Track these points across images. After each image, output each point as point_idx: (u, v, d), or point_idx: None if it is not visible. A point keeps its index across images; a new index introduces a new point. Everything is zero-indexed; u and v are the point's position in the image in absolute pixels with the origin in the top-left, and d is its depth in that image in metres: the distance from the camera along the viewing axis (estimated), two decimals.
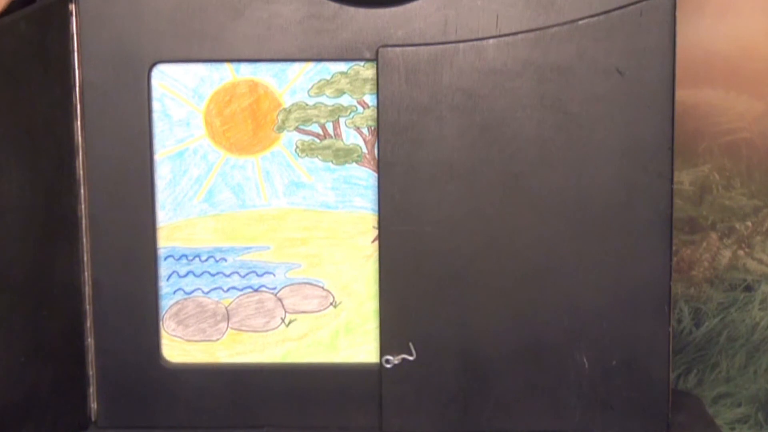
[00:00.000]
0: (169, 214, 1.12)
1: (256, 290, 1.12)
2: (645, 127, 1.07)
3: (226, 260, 1.12)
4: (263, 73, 1.10)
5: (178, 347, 1.13)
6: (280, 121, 1.10)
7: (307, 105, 1.10)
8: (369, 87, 1.09)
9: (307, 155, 1.11)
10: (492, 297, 1.09)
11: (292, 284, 1.12)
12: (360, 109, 1.10)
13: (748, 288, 1.31)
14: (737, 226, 1.30)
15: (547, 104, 1.07)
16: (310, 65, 1.09)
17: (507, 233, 1.08)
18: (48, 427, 1.06)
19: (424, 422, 1.11)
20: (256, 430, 1.12)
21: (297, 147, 1.11)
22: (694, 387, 1.32)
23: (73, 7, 1.08)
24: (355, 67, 1.09)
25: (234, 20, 1.08)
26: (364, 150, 1.10)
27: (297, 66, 1.09)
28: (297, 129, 1.10)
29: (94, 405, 1.13)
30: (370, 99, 1.10)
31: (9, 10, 0.99)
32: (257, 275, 1.12)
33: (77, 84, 1.09)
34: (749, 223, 1.30)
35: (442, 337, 1.10)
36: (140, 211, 1.10)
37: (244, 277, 1.12)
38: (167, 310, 1.13)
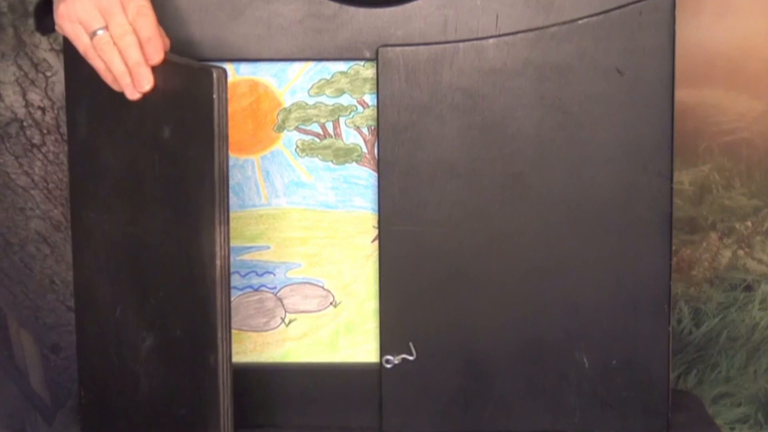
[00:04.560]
0: None
1: (256, 290, 1.12)
2: (645, 127, 1.07)
3: None
4: (263, 73, 1.10)
5: None
6: (280, 120, 1.10)
7: (307, 105, 1.10)
8: (369, 87, 1.09)
9: (307, 155, 1.11)
10: (492, 297, 1.09)
11: (292, 284, 1.12)
12: (360, 108, 1.10)
13: (748, 288, 1.31)
14: (737, 226, 1.30)
15: (546, 104, 1.07)
16: (310, 65, 1.09)
17: (507, 233, 1.08)
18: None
19: (424, 422, 1.11)
20: (256, 430, 1.12)
21: (297, 146, 1.11)
22: (694, 387, 1.32)
23: None
24: (355, 66, 1.09)
25: (234, 20, 1.08)
26: (364, 150, 1.10)
27: (297, 66, 1.09)
28: (297, 128, 1.10)
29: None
30: (370, 99, 1.10)
31: None
32: (257, 275, 1.12)
33: None
34: (749, 223, 1.30)
35: (442, 337, 1.10)
36: None
37: (244, 276, 1.12)
38: None
